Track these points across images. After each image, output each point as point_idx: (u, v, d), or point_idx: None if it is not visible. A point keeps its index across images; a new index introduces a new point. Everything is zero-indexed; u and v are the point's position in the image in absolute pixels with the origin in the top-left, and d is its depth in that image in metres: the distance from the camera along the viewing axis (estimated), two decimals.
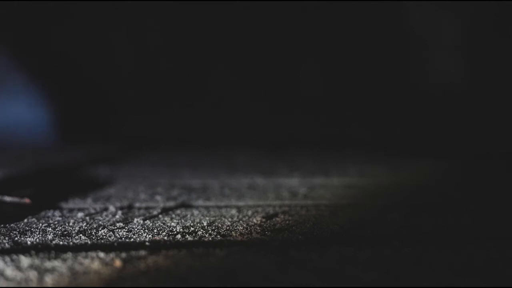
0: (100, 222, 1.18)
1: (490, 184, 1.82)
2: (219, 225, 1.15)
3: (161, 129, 3.82)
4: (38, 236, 1.05)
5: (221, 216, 1.26)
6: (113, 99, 3.94)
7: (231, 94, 3.93)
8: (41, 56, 3.82)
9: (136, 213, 1.29)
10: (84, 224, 1.16)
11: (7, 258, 0.88)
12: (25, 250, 0.94)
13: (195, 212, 1.31)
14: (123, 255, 0.91)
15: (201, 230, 1.11)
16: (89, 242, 1.00)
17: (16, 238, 1.03)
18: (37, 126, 3.69)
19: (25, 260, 0.87)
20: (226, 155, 2.86)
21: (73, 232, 1.08)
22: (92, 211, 1.32)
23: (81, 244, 0.99)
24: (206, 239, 1.03)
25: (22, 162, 2.44)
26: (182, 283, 0.77)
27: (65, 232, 1.08)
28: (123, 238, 1.03)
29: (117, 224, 1.16)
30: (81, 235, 1.06)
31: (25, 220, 1.20)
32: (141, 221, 1.19)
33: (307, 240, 1.02)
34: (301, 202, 1.45)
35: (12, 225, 1.15)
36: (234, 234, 1.07)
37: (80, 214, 1.27)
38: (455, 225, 1.16)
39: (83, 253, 0.92)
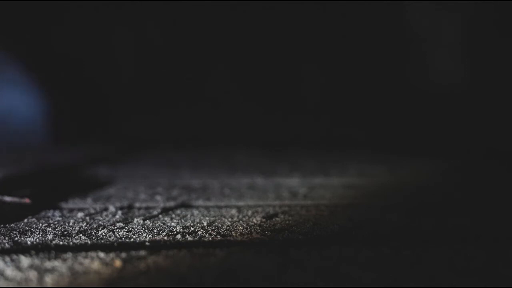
0: (100, 222, 1.18)
1: (490, 184, 1.81)
2: (219, 225, 1.15)
3: (161, 129, 3.82)
4: (38, 236, 1.05)
5: (221, 216, 1.25)
6: (113, 100, 3.95)
7: (231, 94, 3.93)
8: (41, 56, 3.82)
9: (136, 213, 1.29)
10: (84, 224, 1.16)
11: (7, 258, 0.88)
12: (25, 250, 0.94)
13: (195, 212, 1.31)
14: (123, 255, 0.91)
15: (201, 230, 1.11)
16: (89, 242, 1.00)
17: (16, 238, 1.03)
18: (37, 127, 3.68)
19: (25, 260, 0.87)
20: (226, 155, 2.86)
21: (73, 232, 1.08)
22: (92, 211, 1.32)
23: (81, 244, 0.99)
24: (206, 239, 1.03)
25: (22, 162, 2.44)
26: (182, 283, 0.77)
27: (65, 232, 1.08)
28: (123, 238, 1.03)
29: (117, 224, 1.16)
30: (81, 235, 1.06)
31: (25, 220, 1.20)
32: (141, 221, 1.19)
33: (307, 240, 1.02)
34: (301, 202, 1.45)
35: (12, 225, 1.15)
36: (234, 234, 1.07)
37: (80, 214, 1.27)
38: (455, 225, 1.16)
39: (83, 253, 0.92)
